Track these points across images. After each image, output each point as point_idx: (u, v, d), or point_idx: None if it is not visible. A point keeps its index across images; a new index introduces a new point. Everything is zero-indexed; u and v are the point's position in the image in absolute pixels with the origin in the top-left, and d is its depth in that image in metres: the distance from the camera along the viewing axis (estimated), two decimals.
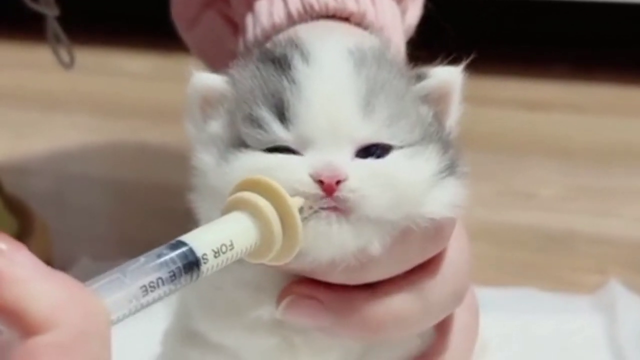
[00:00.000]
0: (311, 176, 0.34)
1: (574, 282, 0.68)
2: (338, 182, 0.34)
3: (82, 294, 0.27)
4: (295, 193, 0.34)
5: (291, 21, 0.49)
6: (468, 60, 0.40)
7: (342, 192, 0.34)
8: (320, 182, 0.34)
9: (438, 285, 0.38)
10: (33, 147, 0.98)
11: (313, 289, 0.37)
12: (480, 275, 0.69)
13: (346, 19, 0.49)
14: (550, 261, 0.73)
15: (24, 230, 0.65)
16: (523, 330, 0.59)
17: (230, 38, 0.56)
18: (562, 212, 0.82)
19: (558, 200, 0.85)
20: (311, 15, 0.49)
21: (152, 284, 0.31)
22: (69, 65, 0.65)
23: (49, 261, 0.68)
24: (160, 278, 0.31)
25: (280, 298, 0.37)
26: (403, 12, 0.55)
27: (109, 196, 0.92)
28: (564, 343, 0.58)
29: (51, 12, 0.63)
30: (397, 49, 0.51)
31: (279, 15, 0.49)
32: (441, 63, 0.40)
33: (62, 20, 0.66)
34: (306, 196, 0.34)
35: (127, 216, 0.85)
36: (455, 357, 0.41)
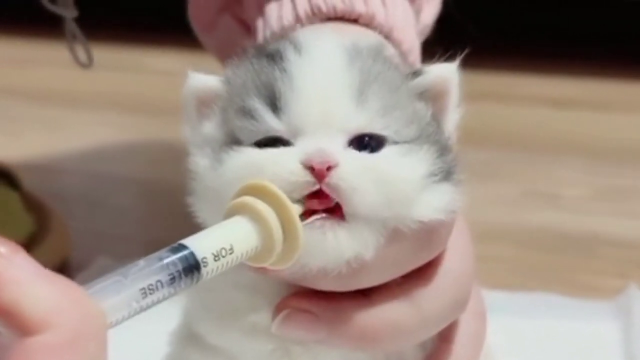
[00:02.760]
0: (302, 163, 0.34)
1: (593, 286, 0.68)
2: (329, 169, 0.34)
3: (80, 297, 0.27)
4: (286, 184, 0.34)
5: (299, 23, 0.49)
6: (463, 55, 0.39)
7: (333, 178, 0.34)
8: (312, 169, 0.34)
9: (435, 294, 0.38)
10: (60, 145, 0.99)
11: (306, 302, 0.36)
12: (497, 278, 0.69)
13: (355, 20, 0.49)
14: (569, 264, 0.72)
15: (41, 228, 0.66)
16: (537, 336, 0.59)
17: (245, 41, 0.56)
18: (585, 214, 0.81)
19: (582, 201, 0.84)
20: (319, 17, 0.48)
21: (151, 287, 0.31)
22: (87, 65, 0.66)
23: (66, 259, 0.70)
24: (160, 281, 0.31)
25: (275, 313, 0.37)
26: (417, 12, 0.55)
27: (136, 195, 0.93)
28: (578, 349, 0.58)
29: (69, 13, 0.64)
30: (410, 49, 0.51)
31: (287, 18, 0.49)
32: (453, 59, 0.40)
33: (88, 18, 0.67)
34: (297, 185, 0.34)
35: (153, 216, 0.86)
36: None
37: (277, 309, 0.37)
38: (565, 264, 0.72)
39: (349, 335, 0.37)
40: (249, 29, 0.56)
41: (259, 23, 0.52)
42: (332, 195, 0.34)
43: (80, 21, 0.66)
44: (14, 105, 1.15)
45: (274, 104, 0.35)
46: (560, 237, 0.77)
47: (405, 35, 0.51)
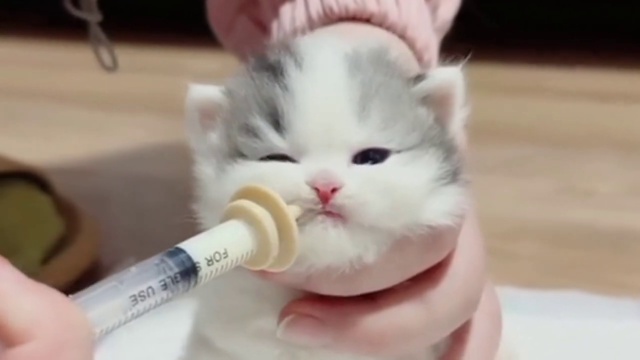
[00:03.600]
0: (307, 184, 0.34)
1: (626, 283, 0.66)
2: (334, 190, 0.34)
3: (63, 307, 0.28)
4: (291, 199, 0.34)
5: (311, 24, 0.48)
6: (467, 59, 0.38)
7: (338, 199, 0.34)
8: (316, 190, 0.34)
9: (443, 295, 0.37)
10: (93, 148, 1.01)
11: (311, 307, 0.36)
12: (528, 276, 0.68)
13: (367, 20, 0.48)
14: (602, 261, 0.71)
15: (71, 230, 0.67)
16: (563, 335, 0.58)
17: (262, 42, 0.56)
18: (619, 210, 0.80)
19: (616, 196, 0.83)
20: (331, 18, 0.48)
21: (142, 293, 0.31)
22: (111, 68, 0.66)
23: (96, 260, 0.71)
24: (153, 286, 0.31)
25: (280, 319, 0.37)
26: (434, 8, 0.54)
27: (170, 197, 0.93)
28: (606, 347, 0.56)
29: (93, 17, 0.65)
30: (425, 46, 0.50)
31: (300, 19, 0.49)
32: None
33: (122, 21, 0.67)
34: (302, 201, 0.34)
35: (184, 217, 0.86)
36: None
37: (282, 314, 0.37)
38: (598, 261, 0.71)
39: (355, 339, 0.36)
40: (265, 30, 0.56)
41: (274, 25, 0.52)
42: (338, 212, 0.34)
43: (115, 24, 0.66)
44: (47, 109, 1.17)
45: (277, 122, 0.36)
46: (593, 233, 0.75)
47: (420, 33, 0.50)
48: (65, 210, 0.70)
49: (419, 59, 0.50)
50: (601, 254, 0.72)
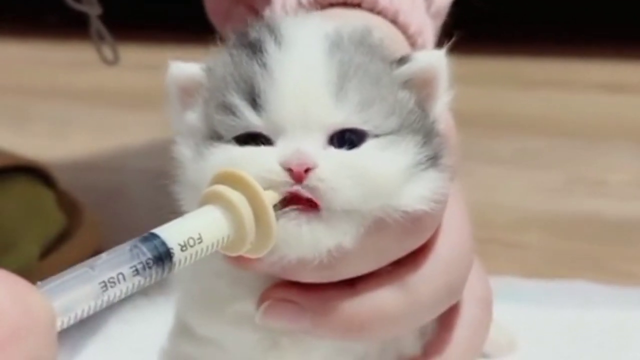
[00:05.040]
0: (281, 164, 0.34)
1: (634, 273, 0.65)
2: (307, 170, 0.33)
3: (23, 293, 0.27)
4: (265, 182, 0.33)
5: (302, 10, 0.48)
6: (452, 42, 0.37)
7: (311, 180, 0.33)
8: (290, 171, 0.34)
9: (424, 279, 0.36)
10: (105, 144, 1.01)
11: (290, 292, 0.36)
12: (537, 267, 0.67)
13: (358, 5, 0.48)
14: (611, 251, 0.69)
15: (72, 224, 0.67)
16: (566, 324, 0.57)
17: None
18: (627, 200, 0.79)
19: (625, 187, 0.82)
20: (321, 3, 0.47)
21: (112, 280, 0.31)
22: (112, 63, 0.66)
23: (96, 252, 0.70)
24: (124, 272, 0.31)
25: (258, 304, 0.36)
26: None
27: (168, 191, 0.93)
28: (608, 336, 0.56)
29: (93, 11, 0.65)
30: (418, 32, 0.50)
31: (291, 5, 0.48)
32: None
33: (134, 18, 0.67)
34: (276, 184, 0.33)
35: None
36: (459, 353, 0.39)
37: (261, 299, 0.36)
38: (606, 252, 0.69)
39: (334, 325, 0.36)
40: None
41: (266, 12, 0.52)
42: (311, 196, 0.34)
43: (124, 22, 0.66)
44: (58, 107, 1.17)
45: (254, 100, 0.35)
46: (603, 223, 0.75)
47: (413, 18, 0.50)
48: (68, 205, 0.70)
49: (412, 44, 0.50)
50: (609, 244, 0.71)
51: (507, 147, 0.94)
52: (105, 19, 0.66)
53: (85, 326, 0.58)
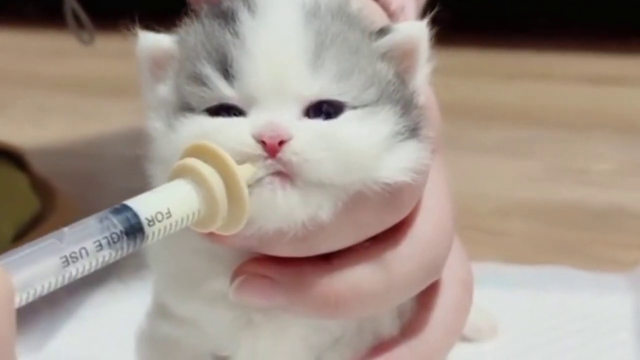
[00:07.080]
0: (254, 137, 0.32)
1: (617, 259, 0.65)
2: (281, 143, 0.32)
3: None
4: (238, 155, 0.32)
5: None
6: (433, 14, 0.36)
7: (286, 153, 0.32)
8: (263, 143, 0.32)
9: (402, 257, 0.35)
10: (85, 131, 1.00)
11: (264, 267, 0.34)
12: (522, 254, 0.66)
13: None
14: (594, 238, 0.69)
15: (46, 208, 0.66)
16: (547, 309, 0.57)
17: None
18: (611, 188, 0.78)
19: (610, 175, 0.82)
20: None
21: (73, 255, 0.29)
22: (88, 42, 0.65)
23: None
24: (87, 247, 0.30)
25: (231, 279, 0.35)
26: None
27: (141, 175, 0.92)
28: (589, 321, 0.55)
29: None
30: (399, 8, 0.48)
31: None
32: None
33: (115, 5, 0.66)
34: (249, 157, 0.32)
35: None
36: (438, 335, 0.38)
37: (234, 275, 0.35)
38: (590, 238, 0.69)
39: (310, 301, 0.34)
40: None
41: None
42: (285, 169, 0.32)
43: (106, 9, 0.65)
44: (38, 95, 1.16)
45: (226, 70, 0.33)
46: (586, 211, 0.74)
47: None
48: (42, 189, 0.69)
49: (393, 21, 0.49)
50: (591, 231, 0.70)
51: (491, 137, 0.94)
52: (81, 5, 0.65)
53: (60, 308, 0.57)
